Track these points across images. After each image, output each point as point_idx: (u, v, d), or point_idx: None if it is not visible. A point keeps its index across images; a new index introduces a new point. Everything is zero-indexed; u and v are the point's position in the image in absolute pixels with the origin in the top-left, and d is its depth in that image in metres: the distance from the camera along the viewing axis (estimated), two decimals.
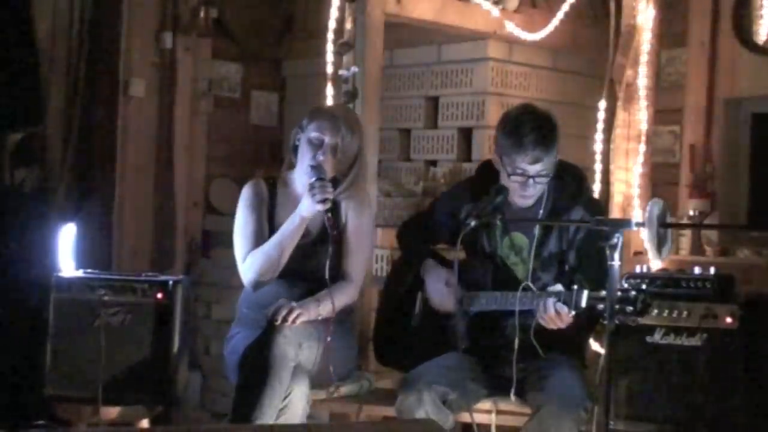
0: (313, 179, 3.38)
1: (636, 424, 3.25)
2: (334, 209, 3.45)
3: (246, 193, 3.58)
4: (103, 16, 4.99)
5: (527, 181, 3.32)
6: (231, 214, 3.64)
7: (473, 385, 3.33)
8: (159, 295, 3.54)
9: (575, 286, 3.16)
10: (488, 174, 3.48)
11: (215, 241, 5.37)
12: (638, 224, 3.20)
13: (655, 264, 3.79)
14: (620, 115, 4.42)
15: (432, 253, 3.67)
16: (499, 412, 3.36)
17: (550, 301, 3.17)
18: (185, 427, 4.34)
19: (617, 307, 2.90)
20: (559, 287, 3.23)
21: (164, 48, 5.18)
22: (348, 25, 4.12)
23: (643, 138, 4.43)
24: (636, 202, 4.39)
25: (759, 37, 4.61)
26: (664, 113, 4.79)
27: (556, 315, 3.16)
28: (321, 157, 3.42)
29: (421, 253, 3.65)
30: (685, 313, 3.23)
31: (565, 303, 3.14)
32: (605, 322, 2.88)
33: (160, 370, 3.52)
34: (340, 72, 4.11)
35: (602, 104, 4.48)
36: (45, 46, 4.87)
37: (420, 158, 5.27)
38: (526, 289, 3.29)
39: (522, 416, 3.27)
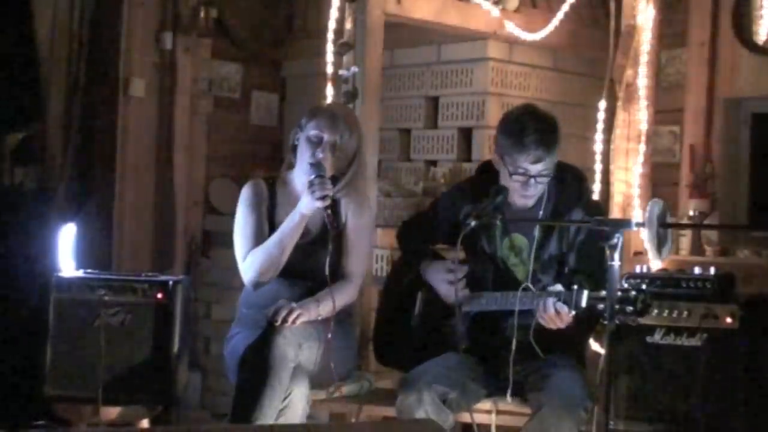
0: (313, 176, 3.38)
1: (636, 424, 3.25)
2: (334, 207, 3.45)
3: (246, 193, 3.58)
4: (103, 16, 4.99)
5: (528, 181, 3.32)
6: (231, 214, 3.64)
7: (473, 385, 3.33)
8: (159, 295, 3.54)
9: (575, 286, 3.16)
10: (488, 174, 3.48)
11: (215, 241, 5.37)
12: (638, 224, 3.20)
13: (655, 264, 3.79)
14: (620, 115, 4.42)
15: (432, 253, 3.67)
16: (499, 412, 3.36)
17: (550, 300, 3.17)
18: (185, 427, 4.34)
19: (617, 307, 2.90)
20: (559, 287, 3.23)
21: (164, 48, 5.18)
22: (348, 25, 4.12)
23: (643, 138, 4.43)
24: (636, 202, 4.38)
25: (759, 37, 4.61)
26: (664, 113, 4.79)
27: (556, 315, 3.16)
28: (320, 155, 3.42)
29: (420, 253, 3.65)
30: (685, 313, 3.22)
31: (565, 303, 3.14)
32: (605, 322, 2.88)
33: (160, 370, 3.52)
34: (340, 72, 4.11)
35: (602, 104, 4.48)
36: (45, 46, 4.87)
37: (420, 158, 5.27)
38: (525, 289, 3.29)
39: (522, 416, 3.27)
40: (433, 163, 5.21)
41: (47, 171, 4.89)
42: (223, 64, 5.62)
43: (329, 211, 3.39)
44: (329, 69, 4.22)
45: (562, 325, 3.18)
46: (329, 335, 3.36)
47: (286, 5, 5.82)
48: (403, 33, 4.83)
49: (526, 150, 3.29)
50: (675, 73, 5.02)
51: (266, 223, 3.53)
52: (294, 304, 3.34)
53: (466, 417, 3.29)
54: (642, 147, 4.42)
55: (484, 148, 5.00)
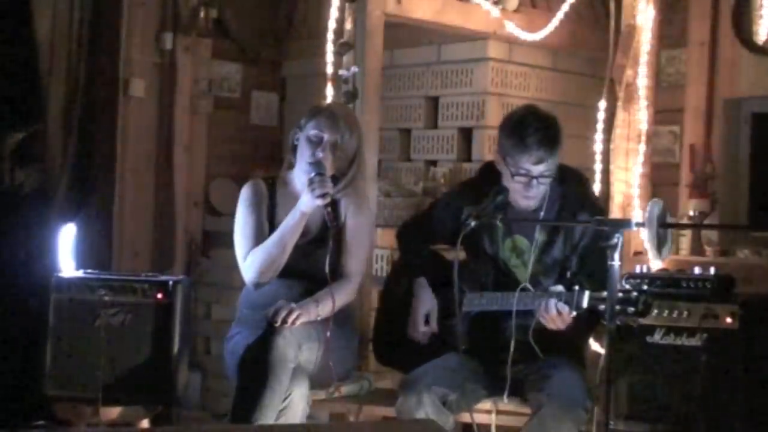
0: (313, 174, 3.38)
1: (636, 424, 3.25)
2: (334, 206, 3.45)
3: (245, 193, 3.58)
4: (103, 16, 4.99)
5: (530, 182, 3.32)
6: (231, 214, 3.64)
7: (473, 386, 3.33)
8: (159, 295, 3.54)
9: (576, 287, 3.16)
10: (490, 175, 3.47)
11: (215, 241, 5.37)
12: (638, 224, 3.20)
13: (655, 264, 3.79)
14: (620, 115, 4.42)
15: (432, 254, 3.67)
16: (499, 412, 3.36)
17: (552, 301, 3.17)
18: (185, 427, 4.34)
19: (618, 307, 2.90)
20: (560, 288, 3.23)
21: (164, 48, 5.18)
22: (348, 25, 4.12)
23: (643, 138, 4.43)
24: (636, 202, 4.39)
25: (759, 37, 4.61)
26: (664, 113, 4.79)
27: (557, 315, 3.16)
28: (320, 154, 3.42)
29: (420, 255, 3.65)
30: (685, 313, 3.22)
31: (566, 303, 3.14)
32: (605, 323, 2.88)
33: (160, 370, 3.52)
34: (340, 72, 4.11)
35: (602, 104, 4.48)
36: (45, 46, 4.87)
37: (420, 158, 5.27)
38: (524, 290, 3.29)
39: (522, 416, 3.27)
40: (433, 163, 5.21)
41: (47, 171, 4.88)
42: (223, 64, 5.62)
43: (329, 209, 3.39)
44: (329, 69, 4.22)
45: (562, 325, 3.19)
46: (328, 334, 3.36)
47: (286, 5, 5.81)
48: (403, 33, 4.83)
49: (527, 151, 3.28)
50: (675, 73, 5.02)
51: (266, 223, 3.53)
52: (293, 305, 3.34)
53: (466, 417, 3.29)
54: (642, 147, 4.42)
55: (484, 148, 5.00)
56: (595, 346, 3.74)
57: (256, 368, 3.23)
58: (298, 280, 3.48)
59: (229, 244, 3.61)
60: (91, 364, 3.48)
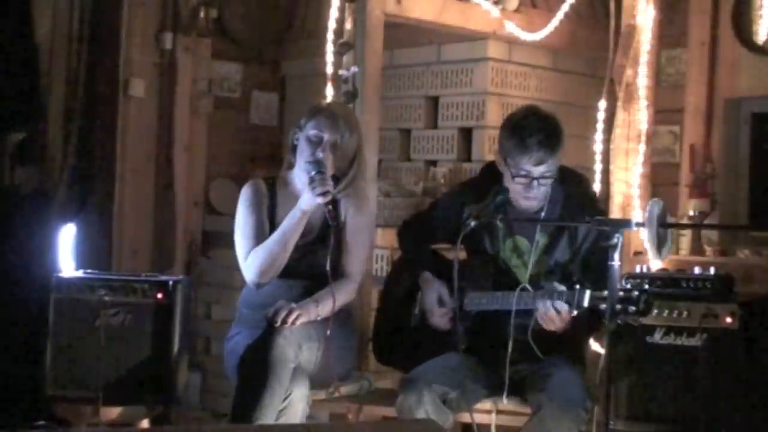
0: (313, 173, 3.38)
1: (636, 424, 3.25)
2: (335, 205, 3.45)
3: (246, 193, 3.58)
4: (103, 16, 4.99)
5: (531, 183, 3.31)
6: (231, 214, 3.64)
7: (473, 385, 3.33)
8: (159, 295, 3.54)
9: (577, 286, 3.15)
10: (492, 175, 3.47)
11: (215, 241, 5.37)
12: (638, 224, 3.19)
13: (655, 264, 3.78)
14: (620, 115, 4.42)
15: (432, 253, 3.67)
16: (499, 412, 3.36)
17: (549, 302, 3.16)
18: (185, 427, 4.34)
19: (619, 307, 2.90)
20: (562, 287, 3.22)
21: (164, 48, 5.18)
22: (348, 25, 4.12)
23: (643, 138, 4.43)
24: (636, 202, 4.39)
25: (759, 37, 4.61)
26: (664, 113, 4.79)
27: (555, 314, 3.15)
28: (320, 154, 3.42)
29: (420, 254, 3.65)
30: (685, 313, 3.22)
31: (567, 302, 3.13)
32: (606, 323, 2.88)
33: (160, 370, 3.52)
34: (340, 72, 4.11)
35: (602, 104, 4.48)
36: (45, 46, 4.87)
37: (420, 158, 5.27)
38: (524, 290, 3.29)
39: (522, 416, 3.27)
40: (433, 163, 5.21)
41: (47, 171, 4.88)
42: (223, 64, 5.62)
43: (330, 207, 3.39)
44: (329, 69, 4.22)
45: (561, 325, 3.18)
46: (328, 332, 3.36)
47: (286, 5, 5.82)
48: (403, 33, 4.83)
49: (528, 152, 3.28)
50: (675, 73, 5.02)
51: (267, 223, 3.53)
52: (293, 305, 3.34)
53: (466, 417, 3.29)
54: (642, 147, 4.42)
55: (484, 148, 5.00)
56: (595, 346, 3.74)
57: (256, 368, 3.23)
58: (299, 280, 3.48)
59: (229, 244, 3.61)
60: (91, 364, 3.48)
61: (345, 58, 4.12)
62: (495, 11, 4.64)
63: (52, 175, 4.88)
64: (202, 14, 5.27)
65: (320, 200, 3.35)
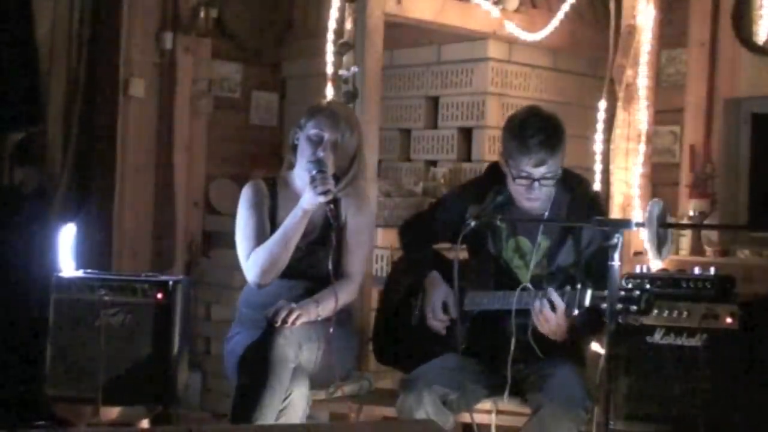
0: (314, 172, 3.38)
1: (636, 424, 3.25)
2: (336, 204, 3.45)
3: (246, 193, 3.58)
4: (103, 16, 4.99)
5: (532, 185, 3.30)
6: (231, 214, 3.64)
7: (473, 386, 3.33)
8: (159, 295, 3.54)
9: (578, 285, 3.14)
10: (496, 175, 3.46)
11: (215, 241, 5.37)
12: (638, 224, 3.19)
13: (655, 264, 3.78)
14: (620, 115, 4.42)
15: (434, 253, 3.67)
16: (499, 412, 3.36)
17: (545, 300, 3.16)
18: (185, 427, 4.34)
19: (620, 306, 2.90)
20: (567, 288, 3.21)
21: (164, 48, 5.18)
22: (348, 25, 4.12)
23: (643, 138, 4.43)
24: (636, 202, 4.39)
25: (759, 37, 4.61)
26: (664, 113, 4.79)
27: (550, 312, 3.14)
28: (321, 153, 3.42)
29: (423, 253, 3.64)
30: (685, 313, 3.22)
31: (568, 302, 3.13)
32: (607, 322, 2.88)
33: (160, 370, 3.52)
34: (340, 72, 4.11)
35: (602, 104, 4.48)
36: (45, 46, 4.87)
37: (420, 158, 5.27)
38: (524, 290, 3.29)
39: (522, 416, 3.27)
40: (433, 163, 5.21)
41: (47, 171, 4.88)
42: (223, 64, 5.62)
43: (331, 206, 3.39)
44: (329, 69, 4.22)
45: (555, 324, 3.16)
46: (331, 330, 3.36)
47: (286, 5, 5.82)
48: (403, 33, 4.83)
49: (528, 153, 3.27)
50: (675, 73, 5.02)
51: (268, 223, 3.53)
52: (294, 305, 3.34)
53: (466, 417, 3.29)
54: (642, 147, 4.43)
55: (484, 149, 5.00)
56: (595, 346, 3.74)
57: (256, 368, 3.23)
58: (299, 280, 3.47)
59: (229, 244, 3.61)
60: (91, 364, 3.48)
61: (345, 58, 4.12)
62: (495, 11, 4.65)
63: (52, 174, 4.88)
64: (202, 14, 5.26)
65: (322, 199, 3.35)
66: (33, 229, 4.59)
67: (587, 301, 3.09)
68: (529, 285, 3.31)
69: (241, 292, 3.64)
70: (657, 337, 3.24)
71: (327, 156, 3.43)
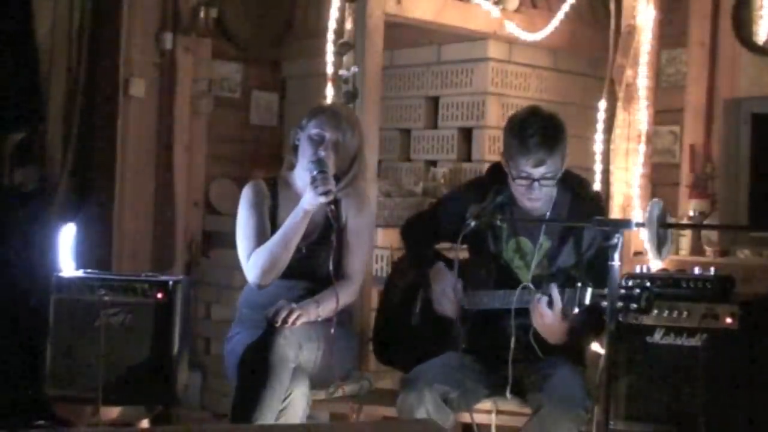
0: (315, 172, 3.37)
1: (636, 424, 3.25)
2: (336, 204, 3.45)
3: (247, 194, 3.58)
4: (103, 16, 4.99)
5: (532, 185, 3.30)
6: (231, 214, 3.64)
7: (474, 385, 3.33)
8: (159, 295, 3.53)
9: (579, 284, 3.14)
10: (497, 175, 3.46)
11: (215, 241, 5.38)
12: (638, 224, 3.19)
13: (655, 264, 3.78)
14: (620, 115, 4.43)
15: (435, 252, 3.67)
16: (499, 412, 3.36)
17: (544, 298, 3.16)
18: (185, 427, 4.34)
19: (621, 304, 2.90)
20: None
21: (164, 48, 5.18)
22: (348, 25, 4.12)
23: (643, 138, 4.43)
24: (636, 203, 4.39)
25: (759, 37, 4.61)
26: (664, 113, 4.80)
27: (546, 308, 3.14)
28: (322, 153, 3.42)
29: (426, 252, 3.64)
30: (685, 313, 3.22)
31: (568, 301, 3.12)
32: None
33: (160, 370, 3.52)
34: (340, 72, 4.12)
35: (602, 104, 4.48)
36: (45, 46, 4.87)
37: (420, 158, 5.28)
38: (525, 288, 3.29)
39: (522, 416, 3.27)
40: (433, 163, 5.21)
41: (47, 171, 4.88)
42: (223, 64, 5.62)
43: (332, 206, 3.39)
44: (329, 69, 4.22)
45: (550, 320, 3.16)
46: (332, 330, 3.36)
47: (286, 5, 5.82)
48: (403, 33, 4.83)
49: (527, 153, 3.27)
50: (675, 73, 5.02)
51: (268, 223, 3.53)
52: (294, 305, 3.34)
53: (466, 417, 3.29)
54: (642, 147, 4.43)
55: (484, 149, 5.00)
56: (595, 346, 3.74)
57: (257, 367, 3.23)
58: (300, 280, 3.48)
59: (230, 244, 3.61)
60: (91, 364, 3.48)
61: (345, 58, 4.12)
62: (495, 11, 4.65)
63: (52, 174, 4.88)
64: (202, 14, 5.26)
65: (322, 199, 3.35)
66: (33, 229, 4.59)
67: (587, 299, 3.09)
68: (529, 284, 3.31)
69: (242, 292, 3.64)
70: (657, 337, 3.24)
71: (328, 156, 3.43)
